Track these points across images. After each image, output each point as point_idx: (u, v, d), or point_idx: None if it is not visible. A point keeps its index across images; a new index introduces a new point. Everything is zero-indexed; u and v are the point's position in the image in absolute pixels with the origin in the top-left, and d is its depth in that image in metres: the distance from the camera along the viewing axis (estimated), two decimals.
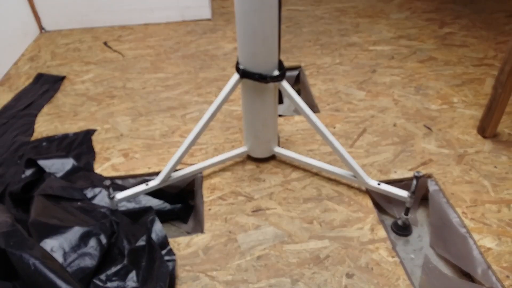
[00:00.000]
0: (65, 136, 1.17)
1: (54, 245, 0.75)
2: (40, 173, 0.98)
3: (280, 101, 1.09)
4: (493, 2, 1.96)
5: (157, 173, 0.98)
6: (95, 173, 1.02)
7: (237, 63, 0.88)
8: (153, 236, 0.85)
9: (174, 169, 0.92)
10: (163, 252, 0.82)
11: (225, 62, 1.54)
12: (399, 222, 0.94)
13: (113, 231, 0.81)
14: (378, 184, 0.91)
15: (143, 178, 1.02)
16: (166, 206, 0.98)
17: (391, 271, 0.78)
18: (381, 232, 0.85)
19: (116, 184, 1.00)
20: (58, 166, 1.00)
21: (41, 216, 0.82)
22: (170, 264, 0.80)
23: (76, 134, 1.18)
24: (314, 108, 1.28)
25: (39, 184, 0.94)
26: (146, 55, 1.61)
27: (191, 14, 1.87)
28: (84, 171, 1.02)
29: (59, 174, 0.99)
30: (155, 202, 0.97)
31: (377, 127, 1.17)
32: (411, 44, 1.62)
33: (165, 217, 0.99)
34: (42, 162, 0.99)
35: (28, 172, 0.98)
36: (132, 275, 0.75)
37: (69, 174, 1.00)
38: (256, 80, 0.86)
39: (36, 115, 1.27)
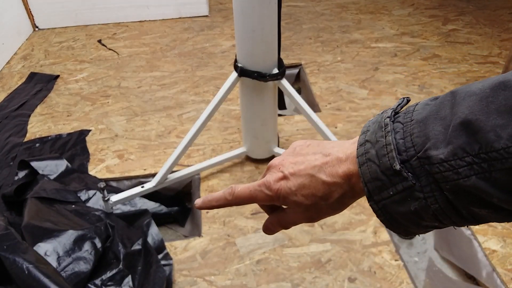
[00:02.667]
0: (59, 137, 1.14)
1: (48, 249, 0.73)
2: (33, 175, 0.96)
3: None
4: None
5: (153, 175, 0.96)
6: (89, 174, 1.00)
7: (235, 61, 0.85)
8: (149, 239, 0.83)
9: (170, 170, 0.89)
10: (160, 256, 0.80)
11: (223, 60, 1.51)
12: None
13: (108, 235, 0.79)
14: None
15: (139, 180, 1.00)
16: (163, 208, 0.96)
17: (394, 274, 0.76)
18: (384, 235, 0.83)
19: (111, 186, 0.97)
20: (52, 167, 0.98)
21: (35, 219, 0.79)
22: (167, 268, 0.77)
23: (70, 134, 1.15)
24: (314, 107, 1.25)
25: (32, 186, 0.92)
26: (141, 53, 1.58)
27: (188, 10, 1.84)
28: (78, 173, 0.99)
29: (53, 176, 0.97)
30: (151, 205, 0.95)
31: None
32: (414, 41, 1.59)
33: (162, 220, 0.96)
34: (35, 164, 0.97)
35: (21, 174, 0.96)
36: (128, 280, 0.73)
37: (63, 176, 0.98)
38: (255, 79, 0.83)
39: (29, 116, 1.24)
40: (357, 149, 0.25)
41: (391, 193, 0.22)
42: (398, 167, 0.21)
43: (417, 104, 0.23)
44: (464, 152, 0.20)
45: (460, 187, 0.20)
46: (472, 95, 0.21)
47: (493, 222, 0.22)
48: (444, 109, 0.21)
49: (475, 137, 0.19)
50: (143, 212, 0.89)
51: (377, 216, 0.24)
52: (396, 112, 0.24)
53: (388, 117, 0.24)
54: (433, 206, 0.21)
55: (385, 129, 0.23)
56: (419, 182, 0.21)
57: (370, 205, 0.24)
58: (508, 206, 0.19)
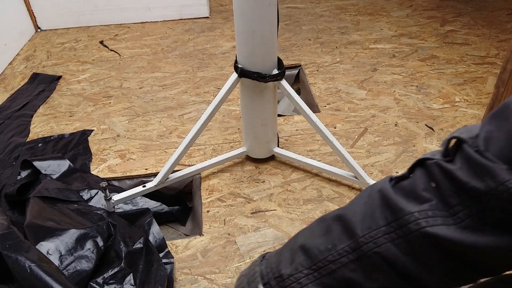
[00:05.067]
0: (61, 137, 1.15)
1: (50, 248, 0.74)
2: (36, 174, 0.97)
3: None
4: (494, 0, 1.95)
5: (154, 174, 0.97)
6: (91, 174, 1.01)
7: (236, 62, 0.86)
8: (151, 238, 0.83)
9: (171, 170, 0.91)
10: (161, 254, 0.81)
11: (223, 61, 1.52)
12: None
13: (110, 234, 0.80)
14: None
15: (140, 179, 1.01)
16: (164, 208, 0.97)
17: None
18: None
19: (113, 185, 0.98)
20: (54, 167, 0.99)
21: (37, 218, 0.80)
22: (168, 267, 0.78)
23: (72, 134, 1.16)
24: (314, 107, 1.26)
25: (35, 185, 0.93)
26: (143, 54, 1.60)
27: (189, 12, 1.85)
28: (80, 172, 1.00)
29: (55, 176, 0.98)
30: (152, 204, 0.96)
31: (378, 127, 1.16)
32: (412, 42, 1.60)
33: (163, 219, 0.97)
34: (38, 164, 0.98)
35: (24, 173, 0.97)
36: (130, 278, 0.74)
37: (65, 176, 0.99)
38: (255, 79, 0.84)
39: (31, 116, 1.26)
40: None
41: None
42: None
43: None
44: (302, 266, 0.28)
45: None
46: (311, 225, 0.32)
47: None
48: (291, 241, 0.32)
49: (307, 254, 0.28)
50: (145, 211, 0.90)
51: None
52: (263, 256, 0.35)
53: (260, 259, 0.34)
54: None
55: (256, 264, 0.33)
56: None
57: None
58: None
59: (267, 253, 0.35)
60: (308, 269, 0.28)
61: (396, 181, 0.27)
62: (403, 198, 0.25)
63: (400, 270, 0.24)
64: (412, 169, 0.27)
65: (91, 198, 0.92)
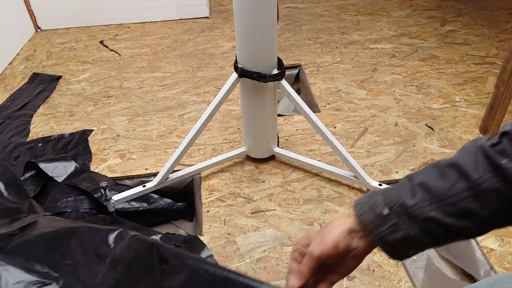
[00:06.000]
0: (61, 137, 1.15)
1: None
2: (40, 176, 0.96)
3: None
4: (494, 0, 1.95)
5: (154, 174, 0.97)
6: (98, 174, 1.00)
7: (236, 62, 0.86)
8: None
9: (171, 170, 0.91)
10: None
11: (223, 61, 1.52)
12: None
13: None
14: (380, 184, 0.90)
15: (140, 179, 1.01)
16: (175, 205, 0.96)
17: (392, 273, 0.77)
18: None
19: (121, 185, 0.98)
20: (61, 169, 0.98)
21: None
22: None
23: (72, 134, 1.16)
24: (314, 107, 1.26)
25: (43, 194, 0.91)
26: (143, 54, 1.60)
27: (189, 12, 1.85)
28: (88, 173, 1.00)
29: (62, 178, 0.97)
30: (165, 201, 0.95)
31: (378, 126, 1.16)
32: (413, 42, 1.60)
33: (172, 216, 0.97)
34: (43, 165, 0.97)
35: (27, 175, 0.96)
36: None
37: (73, 177, 0.98)
38: (255, 79, 0.84)
39: (31, 116, 1.26)
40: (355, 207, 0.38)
41: (384, 228, 0.35)
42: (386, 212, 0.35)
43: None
44: (424, 198, 0.34)
45: (427, 217, 0.34)
46: (422, 170, 0.36)
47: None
48: (404, 182, 0.37)
49: (428, 190, 0.34)
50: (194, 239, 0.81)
51: (378, 245, 0.36)
52: (373, 191, 0.39)
53: (373, 193, 0.38)
54: (412, 233, 0.35)
55: (373, 196, 0.37)
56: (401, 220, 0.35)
57: (370, 239, 0.36)
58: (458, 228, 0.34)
59: (383, 189, 0.38)
60: (430, 201, 0.34)
61: (490, 145, 0.35)
62: (499, 156, 0.33)
63: (508, 199, 0.33)
64: (500, 137, 0.35)
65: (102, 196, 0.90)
